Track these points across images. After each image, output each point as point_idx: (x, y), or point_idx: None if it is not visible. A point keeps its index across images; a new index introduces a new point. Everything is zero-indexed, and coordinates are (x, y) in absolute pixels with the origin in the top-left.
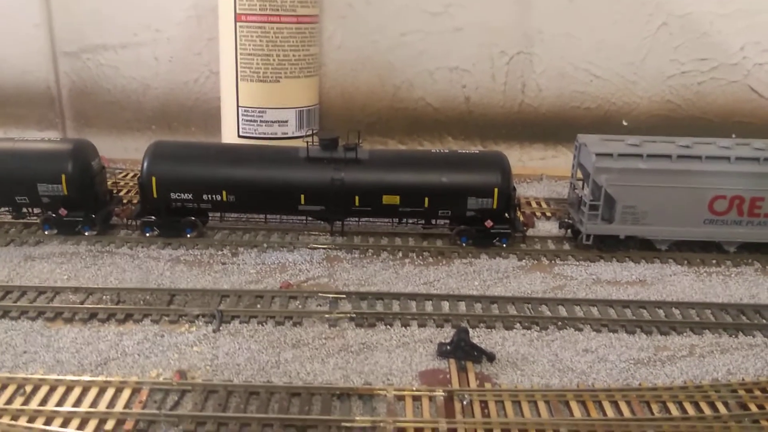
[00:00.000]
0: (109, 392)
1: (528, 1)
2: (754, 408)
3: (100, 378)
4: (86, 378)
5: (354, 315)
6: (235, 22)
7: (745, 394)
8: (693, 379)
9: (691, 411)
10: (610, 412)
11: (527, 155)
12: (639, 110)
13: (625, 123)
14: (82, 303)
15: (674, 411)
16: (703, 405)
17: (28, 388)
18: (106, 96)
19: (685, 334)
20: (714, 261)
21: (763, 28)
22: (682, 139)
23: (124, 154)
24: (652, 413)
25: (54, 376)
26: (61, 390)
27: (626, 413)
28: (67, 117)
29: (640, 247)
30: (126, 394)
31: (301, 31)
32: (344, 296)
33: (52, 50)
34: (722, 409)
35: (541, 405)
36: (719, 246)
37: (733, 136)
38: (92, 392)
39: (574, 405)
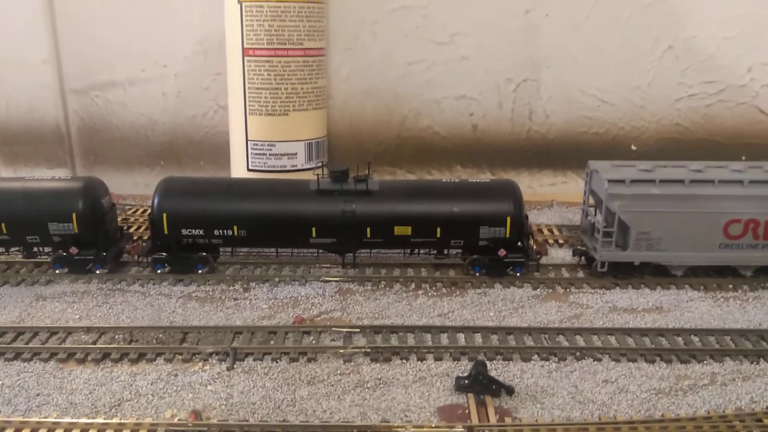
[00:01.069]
0: None
1: (533, 27)
2: None
3: (115, 420)
4: (100, 420)
5: (369, 350)
6: (243, 56)
7: None
8: (716, 408)
9: None
10: None
11: (537, 182)
12: (648, 134)
13: (634, 147)
14: (94, 343)
15: None
16: None
17: None
18: (114, 132)
19: (705, 362)
20: (731, 286)
21: None
22: (694, 163)
23: (133, 189)
24: None
25: (68, 419)
26: None
27: None
28: (76, 154)
29: (656, 274)
30: None
31: (309, 64)
32: (358, 330)
33: (61, 87)
34: None
35: None
36: (735, 270)
37: (743, 158)
38: None
39: None
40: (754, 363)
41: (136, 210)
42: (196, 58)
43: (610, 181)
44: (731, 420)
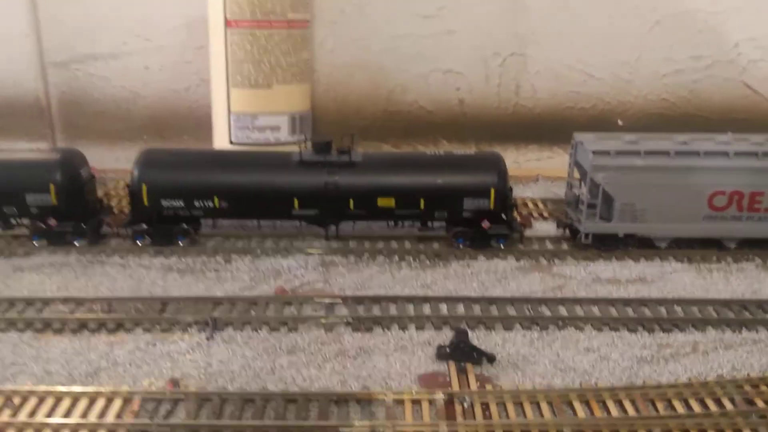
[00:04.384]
0: (100, 402)
1: (521, 1)
2: (761, 403)
3: (91, 388)
4: (76, 388)
5: (350, 319)
6: (225, 27)
7: (751, 390)
8: (697, 376)
9: (696, 408)
10: (615, 412)
11: (523, 156)
12: (634, 109)
13: (620, 122)
14: (71, 313)
15: (680, 408)
16: (709, 402)
17: (17, 401)
18: (96, 106)
19: (687, 331)
20: (714, 257)
21: (757, 25)
22: (680, 136)
23: (115, 164)
24: (657, 411)
25: (43, 387)
26: (50, 401)
27: (631, 412)
28: (57, 128)
29: (640, 245)
30: (117, 404)
31: (293, 37)
32: (340, 301)
33: (41, 61)
34: (729, 406)
35: (544, 406)
36: (719, 242)
37: (729, 133)
38: (82, 403)
39: (577, 405)
40: (737, 332)
41: (118, 183)
42: (179, 32)
43: (594, 152)
44: (712, 387)
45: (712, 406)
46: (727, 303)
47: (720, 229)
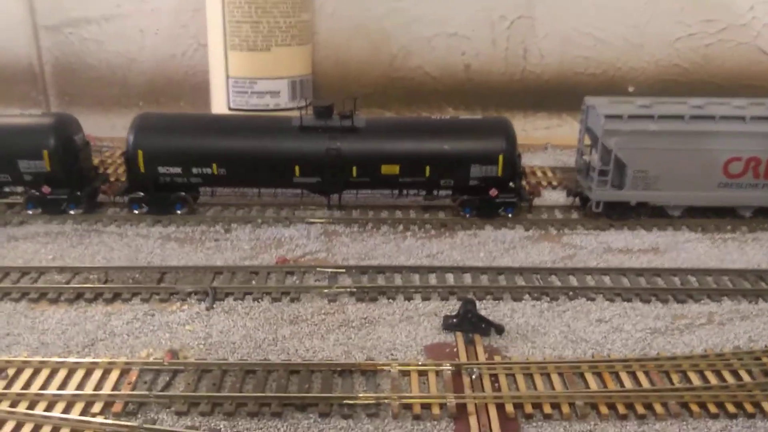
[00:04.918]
0: (97, 374)
1: None
2: None
3: (87, 359)
4: (72, 359)
5: (354, 289)
6: None
7: None
8: (713, 347)
9: (713, 380)
10: (628, 383)
11: (531, 125)
12: (645, 75)
13: (631, 89)
14: (67, 283)
15: (695, 380)
16: (726, 374)
17: (11, 372)
18: (90, 72)
19: (702, 301)
20: (729, 227)
21: None
22: (695, 100)
23: (111, 132)
24: (672, 383)
25: (38, 358)
26: (45, 373)
27: (645, 384)
28: (50, 94)
29: (652, 214)
30: (114, 375)
31: None
32: (344, 270)
33: (33, 24)
34: (746, 378)
35: (555, 377)
36: (734, 211)
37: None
38: (78, 374)
39: (589, 377)
40: (753, 302)
41: (114, 152)
42: None
43: (607, 116)
44: (729, 358)
45: (729, 378)
46: (742, 273)
47: (735, 198)
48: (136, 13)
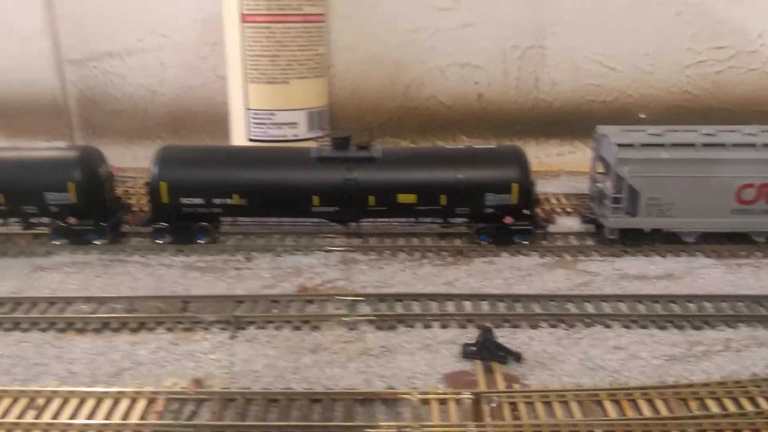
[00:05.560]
0: (124, 403)
1: None
2: None
3: (114, 389)
4: (100, 389)
5: (374, 317)
6: (241, 23)
7: None
8: (731, 374)
9: (731, 408)
10: (647, 411)
11: (544, 151)
12: (656, 102)
13: (642, 116)
14: (94, 313)
15: (713, 408)
16: (744, 401)
17: (41, 401)
18: (113, 104)
19: (719, 328)
20: (743, 252)
21: None
22: (705, 128)
23: (133, 162)
24: (690, 411)
25: (67, 388)
26: (74, 402)
27: (663, 412)
28: (75, 127)
29: (666, 241)
30: (141, 404)
31: (309, 31)
32: (363, 299)
33: (58, 58)
34: (764, 405)
35: (573, 405)
36: (748, 237)
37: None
38: (106, 404)
39: (607, 404)
40: None
41: (137, 182)
42: (194, 27)
43: (619, 145)
44: (746, 386)
45: (747, 406)
46: (758, 299)
47: (748, 223)
48: (157, 47)
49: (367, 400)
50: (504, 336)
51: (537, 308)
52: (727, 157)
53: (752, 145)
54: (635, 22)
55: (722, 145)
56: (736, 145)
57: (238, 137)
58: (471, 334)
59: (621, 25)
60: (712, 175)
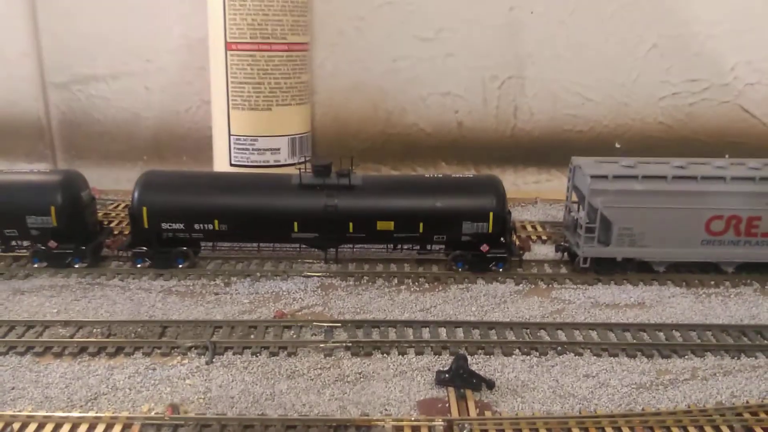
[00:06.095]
0: (100, 428)
1: (518, 24)
2: (759, 431)
3: (91, 414)
4: (76, 414)
5: (350, 344)
6: (226, 50)
7: (750, 417)
8: (696, 402)
9: None
10: None
11: (521, 179)
12: (632, 132)
13: (618, 145)
14: (71, 337)
15: None
16: (708, 429)
17: (16, 426)
18: (96, 127)
19: (686, 356)
20: (713, 282)
21: (753, 48)
22: (677, 160)
23: (115, 185)
24: None
25: (43, 413)
26: (50, 427)
27: None
28: (57, 149)
29: (638, 270)
30: (117, 430)
31: (292, 59)
32: (339, 325)
33: (42, 81)
34: None
35: None
36: (717, 267)
37: (726, 156)
38: (82, 429)
39: None
40: (735, 358)
41: (118, 205)
42: (179, 52)
43: (593, 176)
44: (711, 414)
45: None
46: (725, 328)
47: (718, 254)
48: (142, 71)
49: (341, 426)
50: (478, 363)
51: (510, 336)
52: (698, 190)
53: (722, 178)
54: (612, 54)
55: (693, 178)
56: (706, 178)
57: (221, 162)
58: (445, 361)
59: (599, 57)
60: (683, 207)
